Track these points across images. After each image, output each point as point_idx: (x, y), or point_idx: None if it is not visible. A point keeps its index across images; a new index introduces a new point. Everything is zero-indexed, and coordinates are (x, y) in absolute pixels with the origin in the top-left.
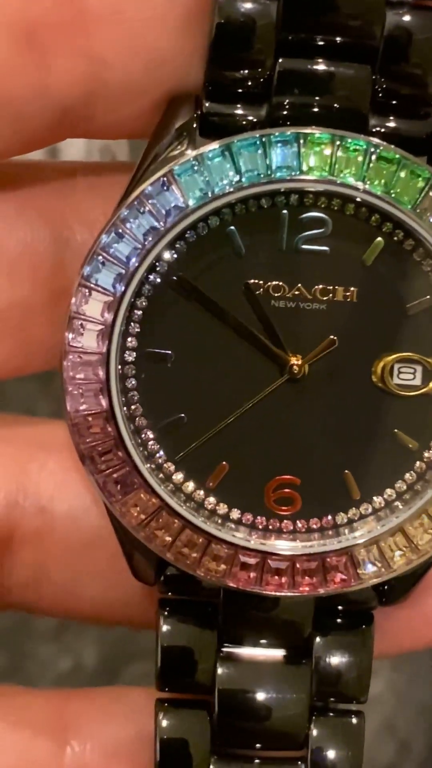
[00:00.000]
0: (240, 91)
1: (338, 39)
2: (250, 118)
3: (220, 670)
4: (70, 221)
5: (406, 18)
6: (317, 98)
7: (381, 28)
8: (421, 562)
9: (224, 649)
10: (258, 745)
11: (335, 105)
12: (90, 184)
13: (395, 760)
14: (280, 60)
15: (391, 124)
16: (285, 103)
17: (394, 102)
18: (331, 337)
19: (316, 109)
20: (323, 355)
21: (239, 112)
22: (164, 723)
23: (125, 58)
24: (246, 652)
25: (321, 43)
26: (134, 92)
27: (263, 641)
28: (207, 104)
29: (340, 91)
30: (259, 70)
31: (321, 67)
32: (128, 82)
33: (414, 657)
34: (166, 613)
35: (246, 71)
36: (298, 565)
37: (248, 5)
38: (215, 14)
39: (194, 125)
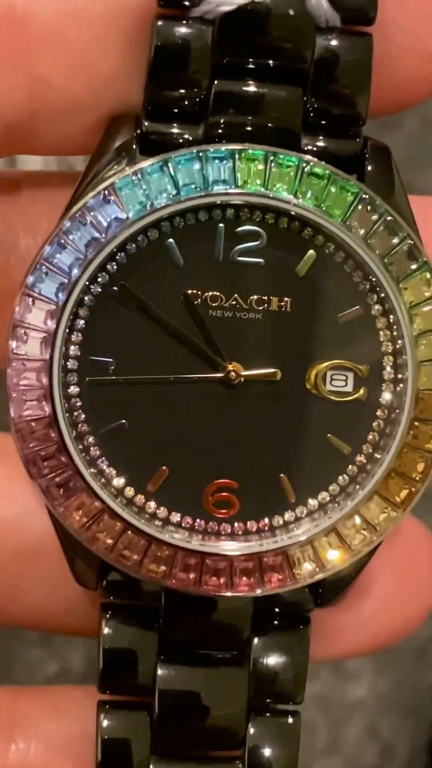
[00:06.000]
0: (178, 111)
1: (271, 62)
2: (187, 136)
3: (160, 672)
4: (16, 226)
5: (335, 42)
6: (251, 118)
7: (311, 52)
8: (354, 561)
9: (165, 652)
10: (197, 745)
11: (269, 125)
12: (35, 192)
13: (379, 764)
14: (216, 82)
15: (322, 144)
16: (220, 122)
17: (324, 122)
18: (274, 370)
19: (250, 128)
20: (262, 375)
21: (177, 131)
22: (105, 723)
23: (67, 78)
24: (186, 654)
25: (254, 66)
26: (76, 111)
27: (203, 644)
28: (146, 124)
29: (273, 111)
30: (196, 91)
31: (254, 88)
32: (70, 102)
33: (397, 661)
34: (108, 616)
35: (183, 92)
36: (235, 565)
37: (184, 30)
38: (153, 37)
39: (134, 146)
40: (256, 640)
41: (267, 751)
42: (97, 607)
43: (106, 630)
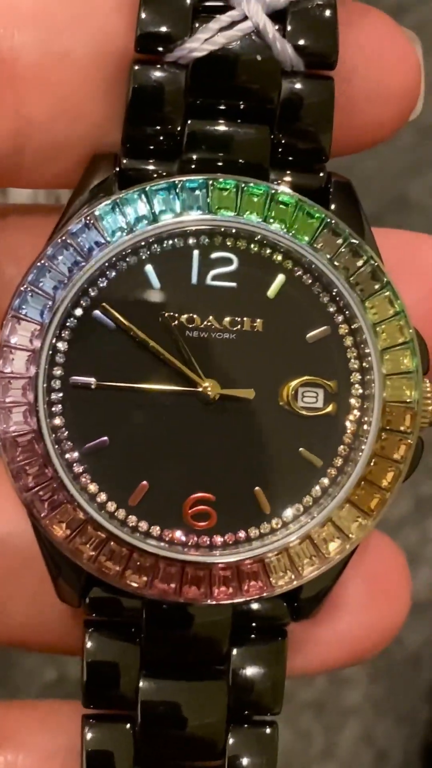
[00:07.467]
0: (154, 148)
1: (240, 103)
2: (163, 173)
3: (142, 686)
4: (0, 255)
5: (299, 85)
6: (222, 154)
7: (278, 94)
8: (327, 569)
9: (146, 666)
10: (179, 756)
11: (239, 160)
12: (21, 223)
13: None
14: (189, 121)
15: (289, 178)
16: (194, 158)
17: (291, 158)
18: (249, 389)
19: (221, 164)
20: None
21: (153, 167)
22: (89, 736)
23: (51, 117)
24: (167, 668)
25: (225, 106)
26: (58, 149)
27: (183, 658)
28: (124, 161)
29: (243, 148)
30: (171, 129)
31: (225, 127)
32: (53, 139)
33: (391, 668)
34: (90, 632)
35: (159, 131)
36: (214, 574)
37: (159, 73)
38: (131, 80)
39: (114, 184)
40: (234, 653)
41: (246, 761)
42: (80, 626)
43: (89, 645)
